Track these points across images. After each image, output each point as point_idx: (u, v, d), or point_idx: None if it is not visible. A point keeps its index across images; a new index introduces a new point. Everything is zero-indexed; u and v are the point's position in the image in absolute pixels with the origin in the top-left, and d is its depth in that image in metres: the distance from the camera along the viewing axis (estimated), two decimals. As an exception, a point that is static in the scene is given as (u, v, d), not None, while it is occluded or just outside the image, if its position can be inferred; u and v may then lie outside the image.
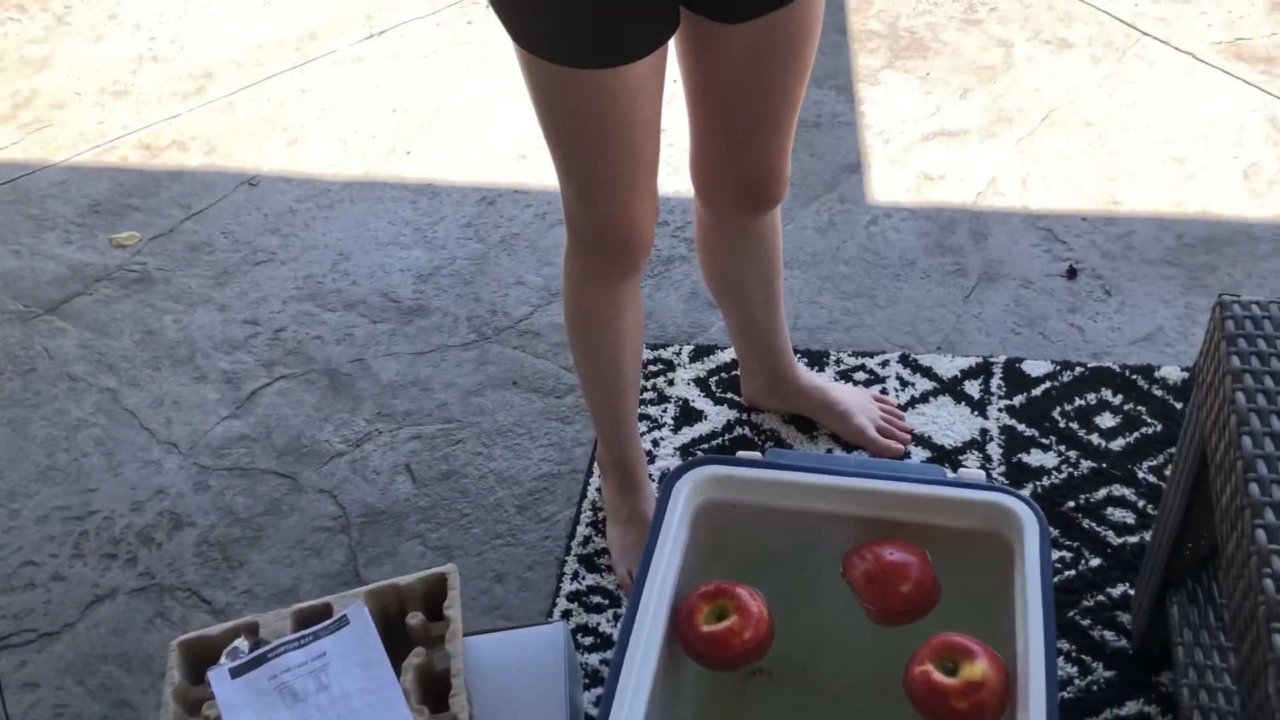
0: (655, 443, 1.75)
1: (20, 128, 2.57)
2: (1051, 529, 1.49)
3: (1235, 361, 1.08)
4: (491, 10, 1.18)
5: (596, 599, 1.58)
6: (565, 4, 1.11)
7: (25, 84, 2.70)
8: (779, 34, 1.22)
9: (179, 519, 1.76)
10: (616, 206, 1.28)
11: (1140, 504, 1.59)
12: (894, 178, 2.13)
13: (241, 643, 1.16)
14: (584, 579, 1.60)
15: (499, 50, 2.53)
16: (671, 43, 1.25)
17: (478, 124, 2.39)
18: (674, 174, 2.17)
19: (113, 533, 1.76)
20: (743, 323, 1.64)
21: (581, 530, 1.66)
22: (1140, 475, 1.62)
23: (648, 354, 1.88)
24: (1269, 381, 1.07)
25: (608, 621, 1.55)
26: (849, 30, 2.46)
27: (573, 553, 1.63)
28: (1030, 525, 1.11)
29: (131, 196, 2.35)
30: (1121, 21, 2.37)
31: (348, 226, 2.21)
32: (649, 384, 1.83)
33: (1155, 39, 2.32)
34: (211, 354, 2.01)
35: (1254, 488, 0.97)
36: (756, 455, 1.23)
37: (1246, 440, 1.01)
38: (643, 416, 1.79)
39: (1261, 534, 0.94)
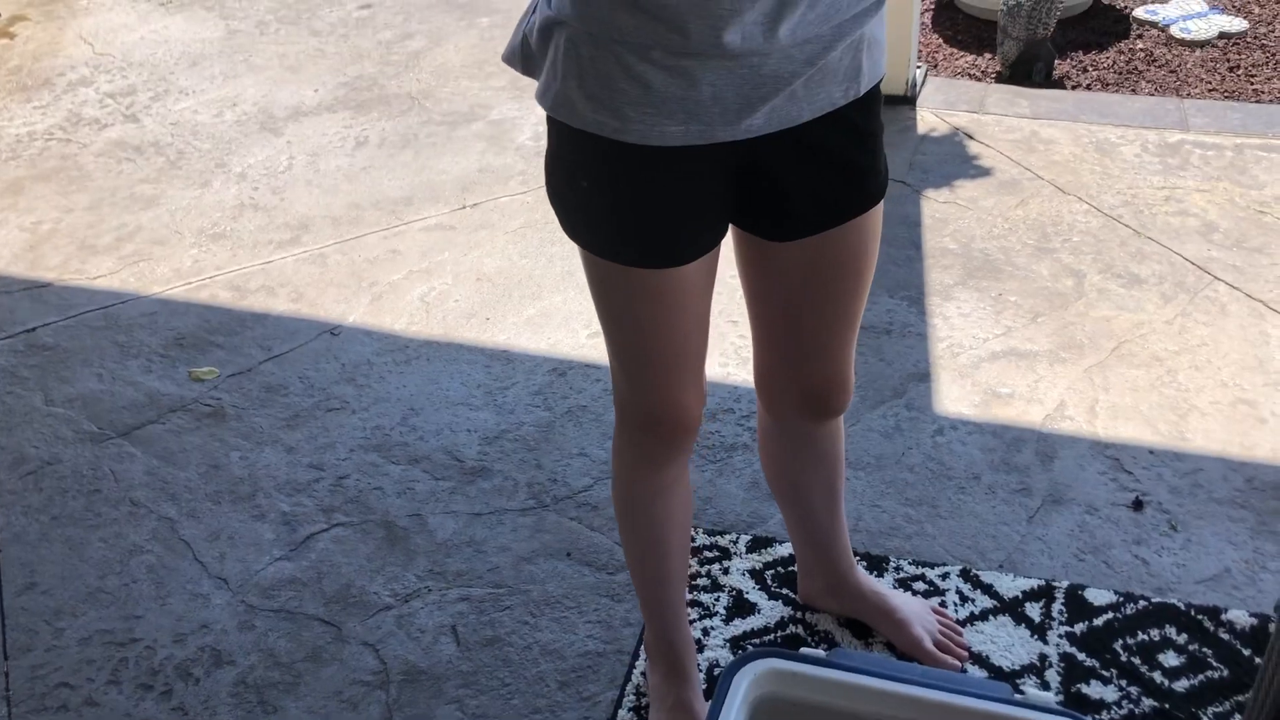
0: (705, 631, 1.73)
1: (120, 259, 2.68)
2: (1112, 767, 1.43)
3: (1321, 609, 1.06)
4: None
5: (633, 788, 1.53)
6: (617, 208, 1.17)
7: (131, 219, 2.83)
8: (834, 251, 1.25)
9: (220, 656, 1.75)
10: (663, 393, 1.31)
11: (1205, 751, 1.53)
12: (962, 391, 2.15)
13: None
14: (622, 765, 1.55)
15: (583, 232, 2.63)
16: (731, 250, 1.30)
17: (557, 298, 2.46)
18: (744, 364, 2.21)
19: (152, 663, 1.74)
20: (803, 523, 1.63)
21: (623, 715, 1.62)
22: (1205, 720, 1.57)
23: (705, 539, 1.87)
24: (1356, 633, 1.04)
25: (642, 813, 1.50)
26: (924, 246, 2.53)
27: (613, 736, 1.59)
28: (1102, 757, 1.08)
29: (216, 334, 2.43)
30: (1192, 264, 2.42)
31: (421, 383, 2.26)
32: (704, 570, 1.82)
33: (1226, 283, 2.36)
34: (273, 494, 2.03)
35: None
36: (820, 653, 1.21)
37: (1335, 691, 0.98)
38: (694, 603, 1.77)
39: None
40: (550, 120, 1.17)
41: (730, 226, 1.28)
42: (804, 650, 1.21)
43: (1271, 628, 1.49)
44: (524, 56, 1.16)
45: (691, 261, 1.20)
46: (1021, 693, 1.17)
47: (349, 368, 2.31)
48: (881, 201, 1.25)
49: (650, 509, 1.43)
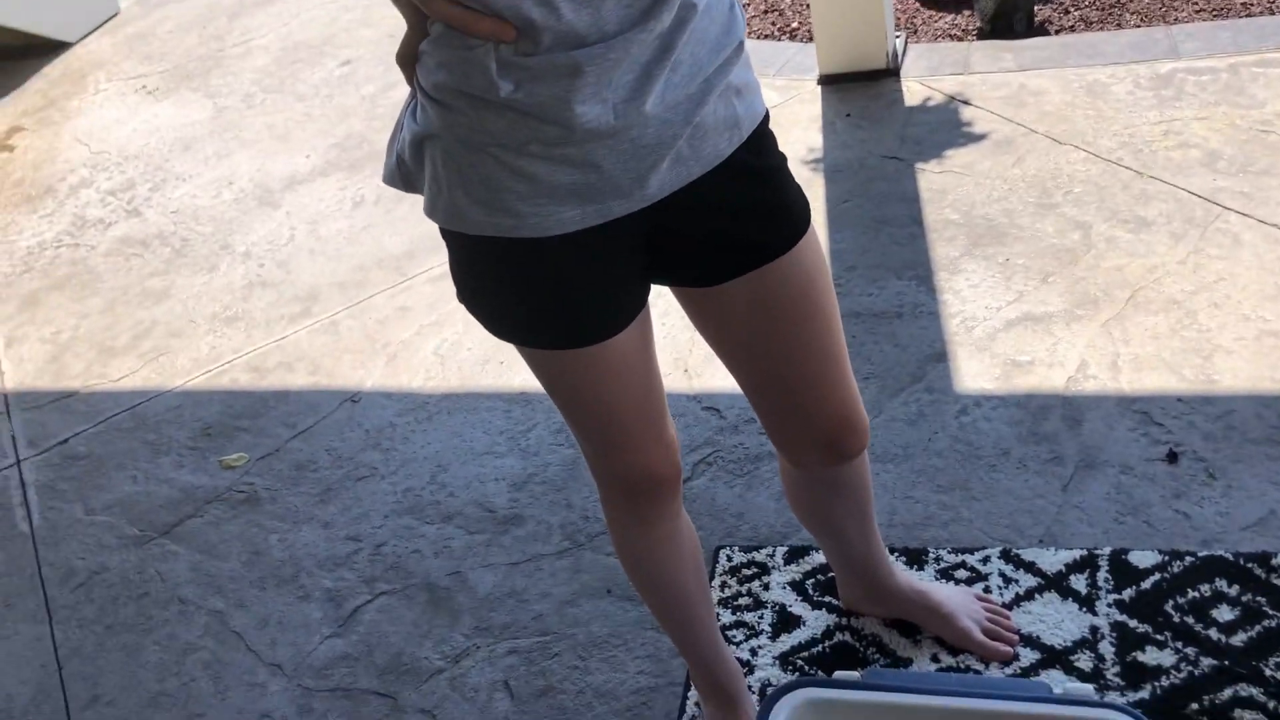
0: (754, 651, 1.72)
1: (140, 356, 2.73)
2: (1176, 737, 1.41)
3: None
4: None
5: (700, 822, 1.53)
6: (532, 303, 1.15)
7: (146, 314, 2.88)
8: (774, 292, 1.20)
9: (283, 744, 1.77)
10: (629, 457, 1.30)
11: (1271, 704, 1.50)
12: (981, 365, 2.12)
13: None
14: (687, 800, 1.56)
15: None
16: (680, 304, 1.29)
17: (567, 331, 2.46)
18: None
19: (219, 760, 1.77)
20: (837, 548, 1.61)
21: (682, 747, 1.62)
22: (1268, 673, 1.54)
23: (742, 557, 1.87)
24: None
25: (713, 846, 1.50)
26: (925, 221, 2.51)
27: (674, 772, 1.59)
28: (1147, 747, 1.06)
29: (241, 418, 2.46)
30: (1199, 197, 2.37)
31: (445, 438, 2.28)
32: (744, 589, 1.82)
33: (1237, 213, 2.31)
34: (315, 572, 2.06)
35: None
36: (855, 675, 1.20)
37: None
38: (739, 624, 1.77)
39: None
40: (445, 232, 1.15)
41: (667, 287, 1.26)
42: (838, 674, 1.21)
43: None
44: (403, 176, 1.15)
45: (620, 332, 1.19)
46: (1064, 683, 1.16)
47: (373, 433, 2.33)
48: (810, 233, 1.21)
49: (655, 560, 1.42)
